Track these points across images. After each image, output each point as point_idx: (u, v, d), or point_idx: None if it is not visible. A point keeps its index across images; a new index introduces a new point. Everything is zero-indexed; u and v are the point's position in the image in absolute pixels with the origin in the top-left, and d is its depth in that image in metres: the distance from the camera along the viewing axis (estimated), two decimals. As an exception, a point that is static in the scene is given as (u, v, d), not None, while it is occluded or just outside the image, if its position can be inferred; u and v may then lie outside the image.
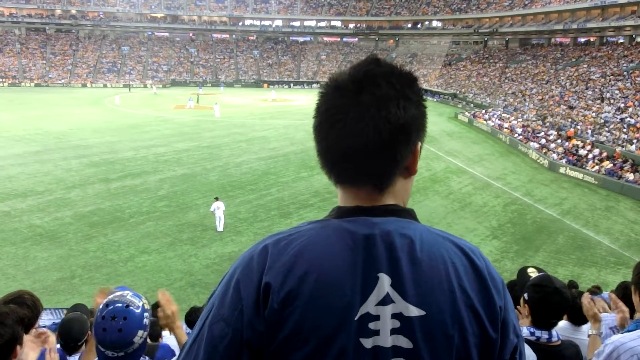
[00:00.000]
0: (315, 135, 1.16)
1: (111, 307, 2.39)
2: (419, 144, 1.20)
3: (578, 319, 3.67)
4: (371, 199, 1.15)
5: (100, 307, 2.42)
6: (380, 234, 1.07)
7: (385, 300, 1.03)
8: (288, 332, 1.02)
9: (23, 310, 3.05)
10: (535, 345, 2.73)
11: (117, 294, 2.50)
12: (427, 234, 1.12)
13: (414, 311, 1.03)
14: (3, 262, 14.87)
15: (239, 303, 1.06)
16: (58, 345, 3.49)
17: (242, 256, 1.15)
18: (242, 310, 1.05)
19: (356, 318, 1.02)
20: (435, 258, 1.08)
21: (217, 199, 18.06)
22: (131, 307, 2.39)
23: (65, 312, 6.99)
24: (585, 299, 3.40)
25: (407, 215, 1.17)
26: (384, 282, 1.04)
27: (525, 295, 2.84)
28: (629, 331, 2.47)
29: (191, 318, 5.75)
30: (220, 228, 17.63)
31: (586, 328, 3.70)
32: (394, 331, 1.03)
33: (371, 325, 1.02)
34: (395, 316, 1.03)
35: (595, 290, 8.70)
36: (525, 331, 2.78)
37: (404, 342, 1.03)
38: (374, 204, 1.15)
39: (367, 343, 1.02)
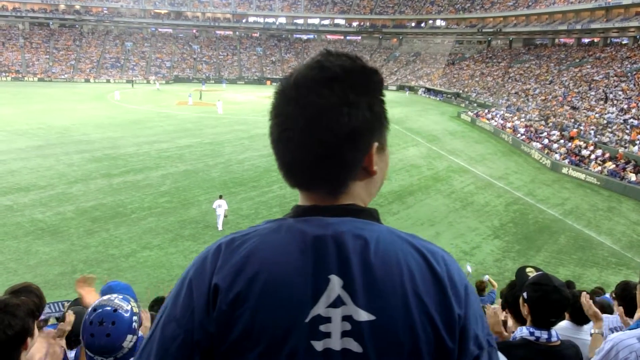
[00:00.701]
0: (269, 139, 1.14)
1: (99, 311, 2.36)
2: (375, 144, 1.13)
3: (580, 318, 3.67)
4: (327, 200, 1.12)
5: (88, 311, 2.40)
6: (333, 235, 1.05)
7: (336, 303, 1.01)
8: (238, 333, 1.00)
9: (32, 299, 3.07)
10: (534, 345, 2.73)
11: (105, 297, 2.48)
12: (385, 236, 1.09)
13: (363, 315, 1.01)
14: (5, 256, 14.91)
15: (191, 303, 1.04)
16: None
17: (198, 255, 1.13)
18: (193, 311, 1.03)
19: (307, 320, 1.00)
20: (389, 261, 1.04)
21: (221, 197, 17.96)
22: (119, 311, 2.36)
23: (64, 304, 7.00)
24: (584, 297, 3.41)
25: (367, 216, 1.13)
26: (335, 284, 1.01)
27: (524, 294, 2.83)
28: (630, 329, 2.49)
29: (153, 311, 5.41)
30: (220, 228, 17.58)
31: (588, 328, 3.70)
32: (344, 334, 1.01)
33: (322, 328, 1.00)
34: (345, 319, 1.01)
35: (598, 292, 8.72)
36: (524, 331, 2.77)
37: (354, 346, 1.00)
38: (330, 204, 1.12)
39: (318, 345, 1.00)
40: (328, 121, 1.04)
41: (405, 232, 1.14)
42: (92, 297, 2.88)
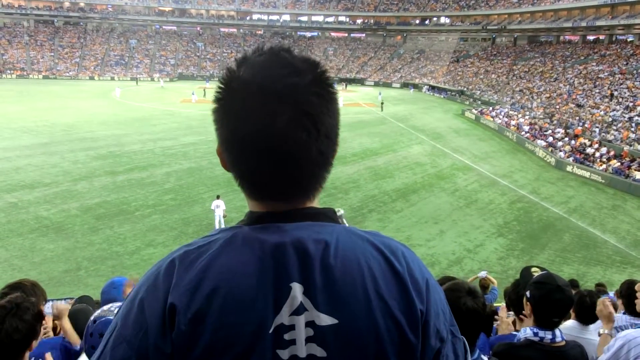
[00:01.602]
0: (234, 155, 1.07)
1: (98, 324, 2.38)
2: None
3: (586, 318, 3.66)
4: (285, 204, 1.08)
5: (89, 322, 2.42)
6: (292, 242, 1.01)
7: (299, 310, 0.98)
8: (199, 352, 0.95)
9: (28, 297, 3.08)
10: (538, 345, 2.71)
11: (105, 308, 2.50)
12: (345, 237, 1.06)
13: (325, 320, 0.99)
14: (10, 253, 14.98)
15: (143, 324, 0.97)
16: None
17: (149, 271, 1.06)
18: (146, 332, 0.96)
19: (271, 331, 0.97)
20: (349, 263, 1.02)
21: (218, 197, 17.77)
22: None
23: (70, 301, 7.02)
24: (605, 301, 3.38)
25: (324, 218, 1.09)
26: (297, 291, 0.98)
27: (527, 293, 2.82)
28: None
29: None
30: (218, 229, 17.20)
31: (594, 328, 3.68)
32: (308, 340, 0.99)
33: (286, 336, 0.98)
34: (308, 324, 0.99)
35: (601, 289, 8.71)
36: (528, 331, 2.76)
37: (317, 351, 0.99)
38: (286, 209, 1.07)
39: (284, 354, 0.97)
40: (325, 128, 1.01)
41: (364, 230, 1.11)
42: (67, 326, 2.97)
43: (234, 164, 1.08)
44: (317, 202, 1.13)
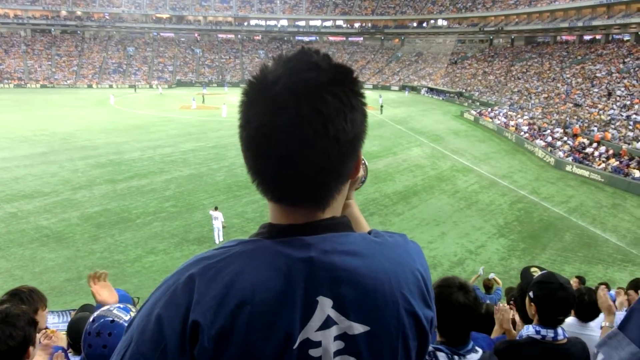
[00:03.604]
0: (246, 151, 1.03)
1: (97, 323, 2.38)
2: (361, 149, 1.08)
3: (586, 315, 3.67)
4: (308, 216, 1.05)
5: (88, 322, 2.42)
6: (317, 255, 0.99)
7: (328, 323, 0.98)
8: None
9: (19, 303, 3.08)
10: (541, 344, 2.72)
11: (105, 308, 2.50)
12: (366, 245, 1.06)
13: (358, 328, 0.99)
14: (11, 264, 14.95)
15: (162, 341, 0.94)
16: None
17: (164, 285, 1.03)
18: (165, 349, 0.94)
19: (295, 347, 0.95)
20: (376, 270, 1.02)
21: (216, 208, 17.53)
22: (117, 322, 2.36)
23: (72, 313, 7.01)
24: (602, 290, 3.40)
25: (344, 227, 1.08)
26: (325, 305, 0.98)
27: (530, 293, 2.83)
28: None
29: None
30: (217, 240, 17.00)
31: (594, 324, 3.71)
32: (337, 353, 0.99)
33: (312, 352, 0.97)
34: (338, 337, 0.98)
35: (603, 288, 8.69)
36: (530, 330, 2.78)
37: None
38: (309, 221, 1.04)
39: None
40: (335, 131, 0.95)
41: (372, 236, 1.12)
42: (105, 293, 2.87)
43: (246, 160, 1.05)
44: (338, 211, 1.11)
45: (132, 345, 0.97)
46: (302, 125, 0.93)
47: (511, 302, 4.43)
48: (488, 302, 7.81)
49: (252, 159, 1.02)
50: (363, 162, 1.49)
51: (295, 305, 0.96)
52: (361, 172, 1.26)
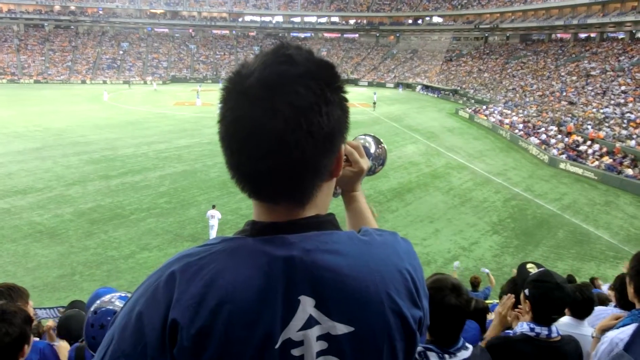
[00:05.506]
0: (222, 147, 1.00)
1: (99, 315, 2.37)
2: (343, 146, 1.06)
3: (579, 312, 3.68)
4: (290, 213, 1.03)
5: (89, 314, 2.41)
6: (299, 254, 0.98)
7: (310, 323, 0.97)
8: None
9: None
10: (534, 340, 2.73)
11: (105, 298, 2.49)
12: (352, 244, 1.05)
13: (341, 328, 0.98)
14: (3, 260, 14.88)
15: (142, 338, 0.94)
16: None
17: (146, 282, 1.02)
18: (145, 346, 0.93)
19: (277, 346, 0.95)
20: (361, 269, 1.01)
21: (214, 207, 17.34)
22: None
23: (61, 310, 7.01)
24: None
25: (329, 226, 1.07)
26: (306, 304, 0.96)
27: (526, 291, 2.84)
28: (623, 325, 2.50)
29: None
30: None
31: (588, 322, 3.72)
32: (320, 353, 0.98)
33: (294, 352, 0.96)
34: (321, 337, 0.98)
35: (597, 283, 8.77)
36: (524, 326, 2.79)
37: None
38: (291, 218, 1.03)
39: None
40: (308, 124, 0.93)
41: (360, 234, 1.10)
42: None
43: (224, 156, 1.01)
44: (323, 209, 1.10)
45: (114, 342, 0.97)
46: (274, 118, 0.91)
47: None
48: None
49: (229, 154, 0.99)
50: (382, 145, 1.47)
51: (277, 305, 0.95)
52: (375, 153, 1.25)
